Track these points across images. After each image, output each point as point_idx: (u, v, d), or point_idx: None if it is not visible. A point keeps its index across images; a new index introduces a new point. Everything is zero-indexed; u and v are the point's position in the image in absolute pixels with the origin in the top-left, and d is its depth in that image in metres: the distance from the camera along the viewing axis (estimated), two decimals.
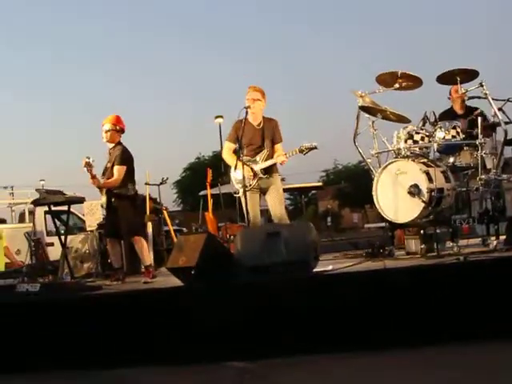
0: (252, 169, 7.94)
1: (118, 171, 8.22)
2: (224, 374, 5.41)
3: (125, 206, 8.30)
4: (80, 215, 14.18)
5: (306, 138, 7.88)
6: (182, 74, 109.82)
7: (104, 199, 8.35)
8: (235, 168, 8.03)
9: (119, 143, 8.44)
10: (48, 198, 8.54)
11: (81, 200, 9.48)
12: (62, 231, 9.82)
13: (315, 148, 7.84)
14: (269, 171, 8.03)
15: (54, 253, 11.57)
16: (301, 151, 7.83)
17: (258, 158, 8.00)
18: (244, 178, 7.73)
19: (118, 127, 8.44)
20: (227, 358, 5.63)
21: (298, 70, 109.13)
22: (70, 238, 9.88)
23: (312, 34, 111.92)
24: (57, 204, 8.89)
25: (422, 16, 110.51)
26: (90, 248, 10.12)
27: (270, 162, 7.98)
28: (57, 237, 9.27)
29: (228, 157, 8.25)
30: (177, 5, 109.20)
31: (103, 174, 8.39)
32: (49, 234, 15.23)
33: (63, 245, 8.78)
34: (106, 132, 8.41)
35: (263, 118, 8.16)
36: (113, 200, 8.25)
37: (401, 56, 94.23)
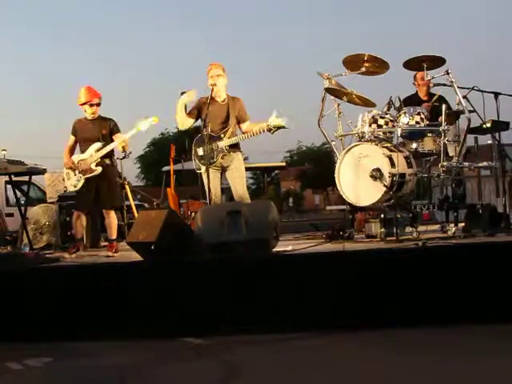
0: (215, 142, 7.94)
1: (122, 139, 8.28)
2: (175, 350, 5.44)
3: (114, 176, 8.37)
4: (41, 186, 14.04)
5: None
6: (147, 48, 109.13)
7: (67, 172, 8.24)
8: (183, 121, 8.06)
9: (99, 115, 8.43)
10: (9, 168, 8.43)
11: (42, 171, 9.38)
12: (23, 202, 9.73)
13: (283, 127, 7.73)
14: (232, 148, 8.01)
15: (14, 224, 11.47)
16: (269, 130, 7.74)
17: (222, 134, 7.97)
18: (205, 155, 7.73)
19: (101, 100, 8.41)
20: (185, 334, 5.66)
21: (265, 50, 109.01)
22: (30, 209, 9.80)
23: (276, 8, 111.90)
24: (18, 174, 8.79)
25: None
26: (49, 220, 10.03)
27: (234, 140, 7.94)
28: (17, 207, 9.16)
29: (181, 115, 8.15)
30: None
31: (80, 143, 8.33)
32: (9, 204, 15.07)
33: (23, 215, 8.70)
34: (98, 106, 8.33)
35: (227, 95, 8.14)
36: (106, 169, 8.22)
37: (368, 40, 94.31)
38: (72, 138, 8.41)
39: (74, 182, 8.18)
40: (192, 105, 8.19)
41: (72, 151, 8.41)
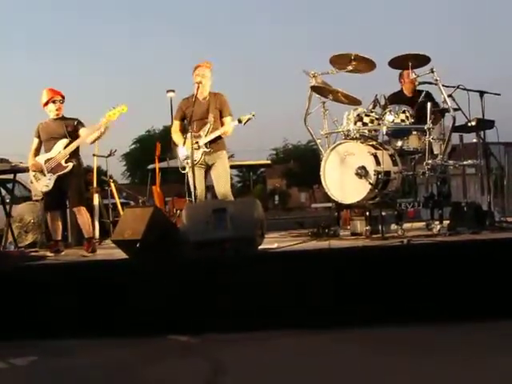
0: (197, 142, 7.99)
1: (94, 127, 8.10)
2: (162, 348, 5.42)
3: (76, 175, 8.13)
4: (26, 184, 13.98)
5: (256, 115, 8.04)
6: (131, 47, 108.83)
7: (34, 173, 8.13)
8: (183, 144, 8.09)
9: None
10: None
11: (27, 169, 9.33)
12: (8, 200, 9.69)
13: (253, 116, 8.20)
14: (214, 146, 8.08)
15: None
16: (239, 121, 8.17)
17: (201, 132, 8.04)
18: (188, 154, 7.79)
19: (63, 99, 8.29)
20: (172, 331, 5.66)
21: (247, 47, 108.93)
22: (14, 207, 9.75)
23: (259, 8, 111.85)
24: (2, 172, 8.75)
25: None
26: (34, 218, 10.00)
27: (212, 136, 8.07)
28: (1, 206, 9.12)
29: (176, 135, 8.44)
30: None
31: (45, 143, 8.18)
32: None
33: (8, 214, 8.66)
34: (61, 103, 8.21)
35: (209, 92, 8.24)
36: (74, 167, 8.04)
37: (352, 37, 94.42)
38: (36, 141, 8.24)
39: (45, 183, 8.00)
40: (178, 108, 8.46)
41: (37, 154, 8.24)
